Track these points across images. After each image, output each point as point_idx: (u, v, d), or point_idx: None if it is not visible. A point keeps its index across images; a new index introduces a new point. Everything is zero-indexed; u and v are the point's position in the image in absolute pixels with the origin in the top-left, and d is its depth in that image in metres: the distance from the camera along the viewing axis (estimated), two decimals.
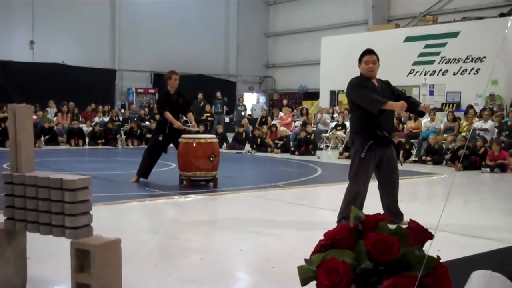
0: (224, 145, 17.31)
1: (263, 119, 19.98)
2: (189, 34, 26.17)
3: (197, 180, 9.05)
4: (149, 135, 16.39)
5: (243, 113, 22.80)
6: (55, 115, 19.42)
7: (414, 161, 13.95)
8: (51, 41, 22.65)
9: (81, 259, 3.56)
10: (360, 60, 5.95)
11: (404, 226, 1.72)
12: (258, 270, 4.61)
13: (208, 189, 8.86)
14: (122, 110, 21.57)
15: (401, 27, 21.72)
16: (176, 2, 25.97)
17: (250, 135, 17.80)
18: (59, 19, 22.62)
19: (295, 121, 19.27)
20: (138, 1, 25.28)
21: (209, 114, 20.96)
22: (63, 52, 22.20)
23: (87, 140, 18.20)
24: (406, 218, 5.90)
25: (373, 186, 6.09)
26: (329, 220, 5.93)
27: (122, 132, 18.91)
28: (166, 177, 10.02)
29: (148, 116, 20.14)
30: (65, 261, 3.64)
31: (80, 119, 19.36)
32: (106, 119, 19.79)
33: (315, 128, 17.98)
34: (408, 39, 19.78)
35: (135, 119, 19.74)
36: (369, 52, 5.93)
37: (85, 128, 18.75)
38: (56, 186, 3.52)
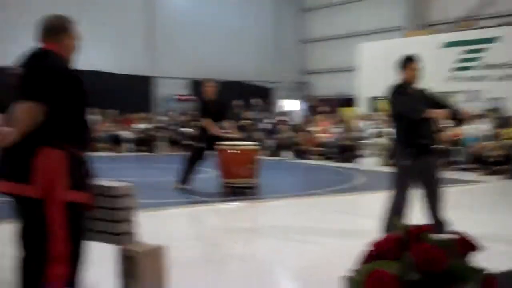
0: (263, 151, 17.32)
1: (301, 126, 19.93)
2: (227, 41, 26.33)
3: (239, 187, 9.08)
4: (189, 142, 16.51)
5: (275, 120, 22.86)
6: (97, 122, 19.75)
7: (457, 169, 13.70)
8: (92, 49, 23.00)
9: (126, 265, 3.63)
10: (404, 66, 5.86)
11: (449, 236, 1.71)
12: (299, 278, 4.62)
13: (249, 196, 8.88)
14: (162, 117, 21.79)
15: (438, 32, 21.41)
16: (214, 9, 26.17)
17: (290, 141, 17.78)
18: (98, 27, 23.03)
19: (334, 128, 19.16)
20: (175, 10, 25.55)
21: (248, 121, 20.97)
22: (103, 59, 22.57)
23: (128, 146, 18.45)
24: (450, 228, 5.82)
25: (415, 195, 6.01)
26: (371, 229, 5.87)
27: (162, 139, 19.12)
28: (207, 184, 10.07)
29: (187, 123, 20.31)
30: (109, 267, 3.72)
31: (121, 126, 19.65)
32: (147, 126, 20.04)
33: (355, 135, 17.83)
34: (446, 44, 19.48)
35: (175, 126, 19.93)
36: (414, 58, 5.89)
37: (126, 135, 19.02)
38: (100, 193, 3.59)
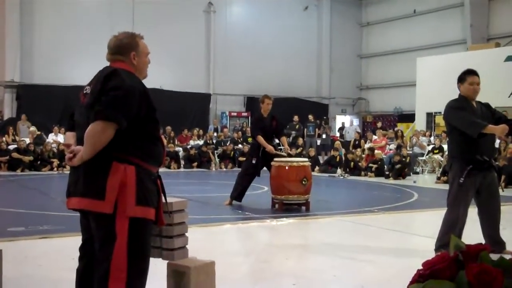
0: (316, 168, 17.22)
1: (356, 142, 19.72)
2: (282, 57, 26.46)
3: (290, 203, 9.05)
4: (242, 158, 16.61)
5: (329, 136, 22.70)
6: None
7: None
8: (150, 67, 23.50)
9: (177, 280, 3.65)
10: (462, 80, 5.73)
11: (507, 257, 1.64)
12: None
13: (301, 213, 8.83)
14: (215, 134, 22.02)
15: (502, 46, 20.86)
16: (269, 26, 26.37)
17: (343, 158, 17.62)
18: (156, 46, 23.53)
19: (389, 144, 18.88)
20: (232, 27, 25.89)
21: (300, 150, 20.27)
22: (161, 78, 23.02)
23: (182, 163, 18.71)
24: (509, 248, 5.64)
25: (472, 213, 5.83)
26: (426, 247, 5.74)
27: (216, 155, 19.30)
28: (259, 200, 10.09)
29: (241, 139, 20.43)
30: (160, 281, 3.73)
31: (176, 143, 19.94)
32: (201, 142, 20.27)
33: (410, 152, 17.52)
34: (510, 58, 18.95)
35: (228, 142, 20.06)
36: (473, 72, 5.74)
37: (182, 151, 19.28)
38: None
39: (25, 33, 21.86)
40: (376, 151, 17.40)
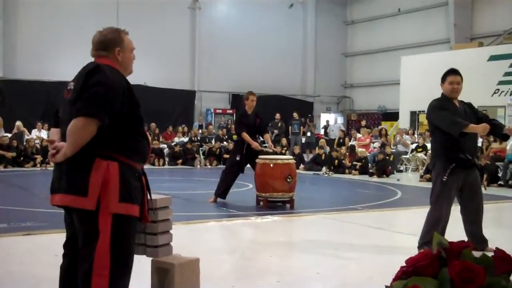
0: (301, 166, 17.25)
1: (341, 140, 19.78)
2: (267, 55, 26.45)
3: (274, 201, 9.06)
4: (226, 156, 16.59)
5: (314, 134, 22.71)
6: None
7: (500, 185, 13.39)
8: (134, 64, 23.34)
9: (161, 277, 3.65)
10: (443, 79, 5.80)
11: (489, 254, 1.66)
12: None
13: (285, 211, 8.84)
14: (200, 131, 21.96)
15: (485, 45, 21.04)
16: (255, 25, 26.35)
17: (328, 156, 17.65)
18: (141, 42, 23.37)
19: (373, 142, 18.96)
20: (217, 24, 25.83)
21: (284, 150, 20.17)
22: (146, 74, 22.90)
23: (166, 160, 18.65)
24: (491, 245, 5.69)
25: (455, 211, 5.89)
26: (410, 245, 5.78)
27: (200, 153, 19.25)
28: (243, 198, 10.09)
29: (226, 137, 20.40)
30: (144, 278, 3.73)
31: (160, 139, 19.86)
32: (186, 139, 20.20)
33: (394, 150, 17.62)
34: (493, 57, 19.12)
35: (213, 140, 20.02)
36: (454, 72, 5.79)
37: (167, 148, 19.21)
38: None
39: (8, 28, 21.63)
40: (360, 149, 17.47)
